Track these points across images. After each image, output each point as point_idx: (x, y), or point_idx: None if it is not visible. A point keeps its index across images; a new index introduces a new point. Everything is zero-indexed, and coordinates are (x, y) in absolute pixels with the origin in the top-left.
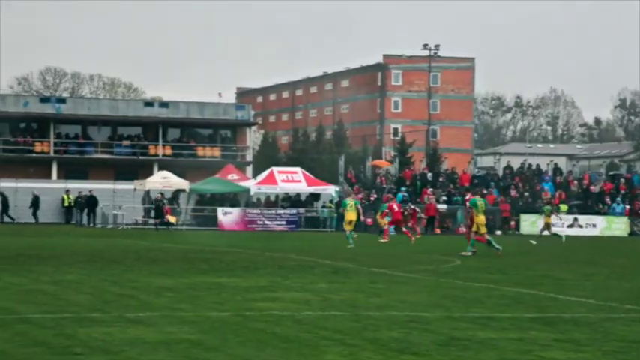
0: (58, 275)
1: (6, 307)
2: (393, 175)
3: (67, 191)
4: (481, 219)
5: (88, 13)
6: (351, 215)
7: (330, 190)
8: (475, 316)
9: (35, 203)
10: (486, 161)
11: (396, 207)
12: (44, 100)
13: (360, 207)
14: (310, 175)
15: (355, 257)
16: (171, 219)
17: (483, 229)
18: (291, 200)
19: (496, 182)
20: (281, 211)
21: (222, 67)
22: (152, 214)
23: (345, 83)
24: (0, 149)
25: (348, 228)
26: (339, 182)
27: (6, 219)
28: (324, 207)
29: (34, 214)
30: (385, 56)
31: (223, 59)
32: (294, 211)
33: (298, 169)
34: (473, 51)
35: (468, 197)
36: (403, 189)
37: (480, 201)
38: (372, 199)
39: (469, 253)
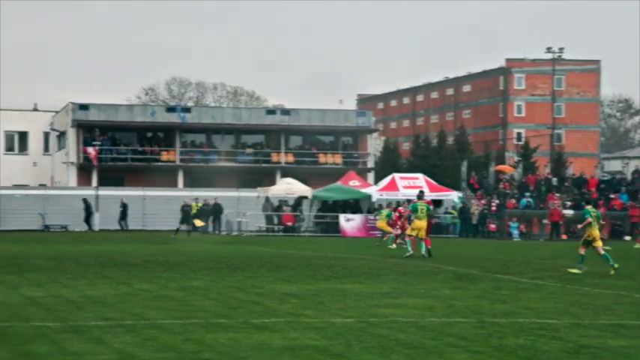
0: (185, 282)
1: (137, 313)
2: (517, 180)
3: (196, 199)
4: (594, 232)
5: (211, 23)
6: (422, 223)
7: (453, 196)
8: (605, 323)
9: (124, 212)
10: (614, 165)
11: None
12: (170, 109)
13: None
14: (432, 181)
15: (479, 263)
16: (198, 223)
17: (599, 242)
18: None
19: (625, 187)
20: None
21: (343, 74)
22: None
23: (466, 88)
24: (128, 158)
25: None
26: (461, 188)
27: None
28: (446, 213)
29: (120, 222)
30: (507, 60)
31: (344, 66)
32: None
33: (420, 175)
34: (599, 53)
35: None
36: (527, 194)
37: (594, 212)
38: (493, 205)
39: (578, 271)
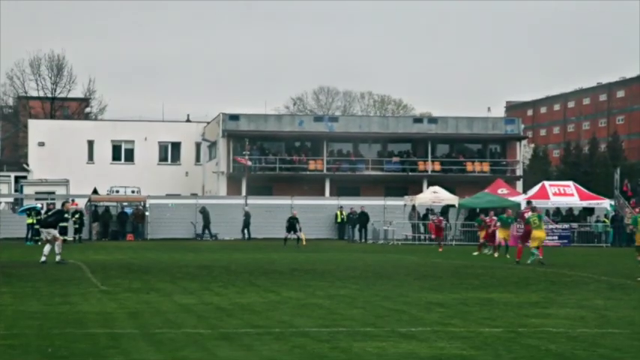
0: (333, 290)
1: (284, 321)
2: None
3: (340, 207)
4: None
5: (357, 34)
6: (540, 233)
7: (605, 204)
8: None
9: (246, 220)
10: None
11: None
12: (318, 119)
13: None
14: (583, 189)
15: (633, 273)
16: (303, 238)
17: None
18: (563, 215)
19: None
20: (552, 226)
21: (490, 81)
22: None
23: (620, 94)
24: (277, 167)
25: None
26: (614, 196)
27: (205, 235)
28: (597, 221)
29: (243, 231)
30: None
31: (490, 73)
32: (566, 225)
33: (571, 183)
34: None
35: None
36: None
37: None
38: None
39: None
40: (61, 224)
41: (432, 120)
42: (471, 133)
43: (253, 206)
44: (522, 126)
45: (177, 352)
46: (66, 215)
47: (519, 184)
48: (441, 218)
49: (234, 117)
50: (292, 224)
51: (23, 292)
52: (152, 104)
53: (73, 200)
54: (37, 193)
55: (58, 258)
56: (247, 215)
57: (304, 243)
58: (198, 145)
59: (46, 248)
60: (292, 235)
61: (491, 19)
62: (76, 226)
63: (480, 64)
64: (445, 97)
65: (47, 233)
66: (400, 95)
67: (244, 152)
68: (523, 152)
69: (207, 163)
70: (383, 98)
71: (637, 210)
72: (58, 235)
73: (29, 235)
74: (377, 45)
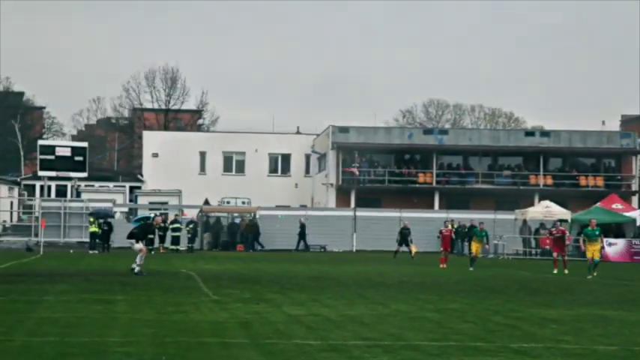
0: (442, 304)
1: (394, 334)
2: None
3: (452, 221)
4: None
5: (468, 45)
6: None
7: None
8: None
9: (302, 231)
10: None
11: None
12: (427, 131)
13: None
14: None
15: None
16: (413, 251)
17: None
18: None
19: None
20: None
21: (605, 94)
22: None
23: None
24: (386, 180)
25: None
26: None
27: (257, 246)
28: None
29: (299, 242)
30: None
31: (605, 86)
32: None
33: None
34: None
35: None
36: None
37: None
38: None
39: None
40: (149, 236)
41: (545, 133)
42: (584, 147)
43: (362, 218)
44: (639, 140)
45: None
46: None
47: (635, 200)
48: (563, 229)
49: (344, 129)
50: (404, 236)
51: (138, 300)
52: (261, 116)
53: (161, 214)
54: (150, 203)
55: (136, 269)
56: (303, 226)
57: (413, 255)
58: (307, 157)
59: (139, 258)
60: (404, 248)
61: (605, 28)
62: (189, 236)
63: (594, 76)
64: (558, 110)
65: (130, 244)
66: (511, 108)
67: (353, 164)
68: (639, 167)
69: (317, 175)
70: (494, 111)
71: None
72: (141, 246)
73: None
74: (487, 57)
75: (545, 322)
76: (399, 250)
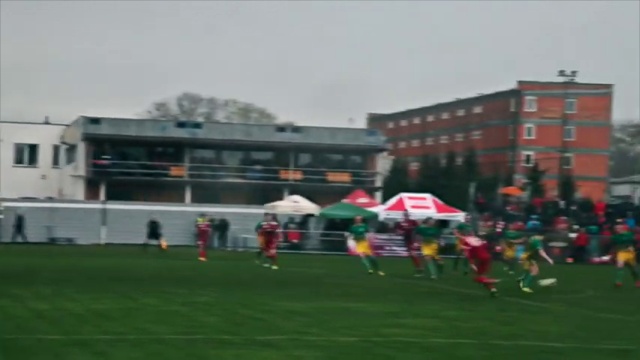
0: (191, 297)
1: (141, 328)
2: (524, 202)
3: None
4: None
5: (223, 39)
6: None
7: (460, 217)
8: (610, 348)
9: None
10: (622, 190)
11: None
12: (180, 124)
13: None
14: (440, 201)
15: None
16: (164, 245)
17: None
18: None
19: (633, 211)
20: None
21: (354, 93)
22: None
23: (477, 109)
24: (137, 172)
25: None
26: (468, 209)
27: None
28: (452, 233)
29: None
30: (519, 82)
31: (355, 84)
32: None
33: (428, 195)
34: (611, 77)
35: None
36: (534, 217)
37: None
38: (499, 227)
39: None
40: None
41: (296, 129)
42: (333, 144)
43: (112, 211)
44: (383, 138)
45: (28, 358)
46: None
47: (379, 195)
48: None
49: (95, 120)
50: (154, 229)
51: None
52: (9, 105)
53: None
54: None
55: None
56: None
57: (165, 247)
58: (56, 148)
59: None
60: (154, 241)
61: (357, 31)
62: None
63: (343, 75)
64: (308, 107)
65: None
66: (264, 104)
67: (103, 156)
68: (383, 164)
69: (66, 167)
70: (247, 106)
71: (489, 224)
72: None
73: None
74: (238, 49)
75: (292, 314)
76: (148, 243)
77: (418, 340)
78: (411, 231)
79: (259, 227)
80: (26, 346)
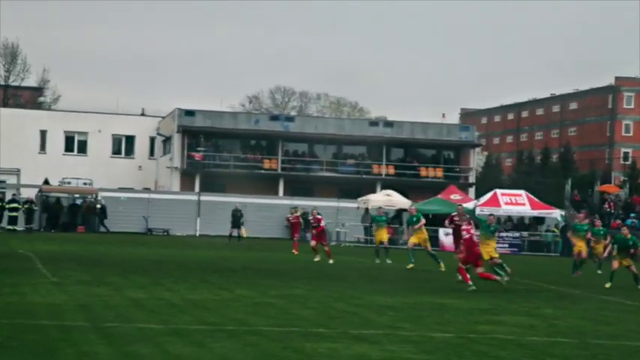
0: (286, 290)
1: (238, 319)
2: (622, 200)
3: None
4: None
5: (314, 34)
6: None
7: (556, 214)
8: None
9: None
10: None
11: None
12: (273, 118)
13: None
14: (535, 198)
15: (582, 283)
16: (243, 233)
17: None
18: (514, 223)
19: None
20: (504, 234)
21: (446, 89)
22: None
23: (573, 105)
24: (231, 165)
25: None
26: (564, 206)
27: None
28: (548, 231)
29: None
30: (617, 78)
31: (448, 81)
32: (517, 234)
33: (522, 192)
34: None
35: None
36: (632, 215)
37: None
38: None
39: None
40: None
41: (388, 124)
42: (425, 139)
43: (207, 202)
44: (476, 133)
45: (128, 346)
46: None
47: (472, 191)
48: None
49: (190, 113)
50: (236, 218)
51: None
52: (106, 96)
53: None
54: None
55: None
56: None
57: (244, 236)
58: (152, 140)
59: None
60: (236, 230)
61: (445, 24)
62: (26, 216)
63: (435, 70)
64: (400, 101)
65: None
66: (355, 98)
67: (198, 148)
68: (476, 159)
69: (161, 158)
70: (339, 100)
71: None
72: None
73: None
74: (331, 45)
75: (385, 309)
76: (232, 234)
77: (515, 338)
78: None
79: (379, 221)
80: (126, 334)
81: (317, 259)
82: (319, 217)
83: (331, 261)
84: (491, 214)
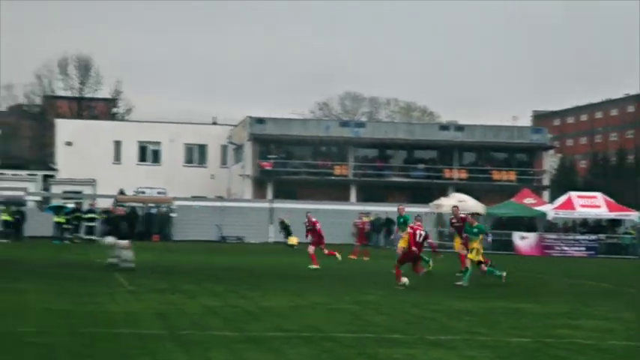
0: (358, 295)
1: (313, 326)
2: None
3: (368, 213)
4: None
5: (382, 40)
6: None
7: (633, 216)
8: None
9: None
10: None
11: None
12: (344, 124)
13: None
14: (611, 200)
15: None
16: (293, 240)
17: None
18: (590, 226)
19: None
20: (580, 237)
21: (516, 90)
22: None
23: None
24: (302, 172)
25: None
26: None
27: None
28: (625, 233)
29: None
30: None
31: (517, 82)
32: (593, 236)
33: (598, 194)
34: None
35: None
36: None
37: None
38: None
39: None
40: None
41: (459, 128)
42: (497, 142)
43: (279, 210)
44: (549, 135)
45: (205, 353)
46: None
47: (546, 194)
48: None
49: (261, 121)
50: (286, 227)
51: (51, 290)
52: (177, 106)
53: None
54: (64, 192)
55: (117, 262)
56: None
57: (296, 244)
58: (224, 148)
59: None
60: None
61: (511, 24)
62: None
63: (506, 72)
64: (470, 105)
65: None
66: (425, 102)
67: (269, 156)
68: (550, 162)
69: (233, 166)
70: (409, 105)
71: None
72: (114, 240)
73: (59, 234)
74: (401, 50)
75: (461, 314)
76: (287, 242)
77: (594, 342)
78: (461, 228)
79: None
80: (202, 341)
81: (339, 257)
82: (314, 220)
83: (339, 257)
84: (471, 214)
